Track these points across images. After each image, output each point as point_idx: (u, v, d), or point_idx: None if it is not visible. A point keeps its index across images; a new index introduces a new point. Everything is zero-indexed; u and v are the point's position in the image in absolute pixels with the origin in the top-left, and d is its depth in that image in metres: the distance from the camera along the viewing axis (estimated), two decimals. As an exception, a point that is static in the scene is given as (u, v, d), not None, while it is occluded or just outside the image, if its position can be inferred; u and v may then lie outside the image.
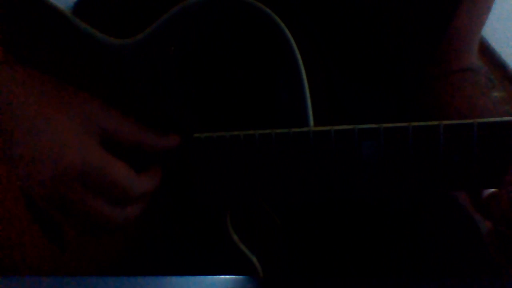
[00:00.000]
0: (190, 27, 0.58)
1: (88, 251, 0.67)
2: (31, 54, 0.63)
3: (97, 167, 0.55)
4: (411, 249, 0.67)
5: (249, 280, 0.57)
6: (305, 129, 0.54)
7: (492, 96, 0.68)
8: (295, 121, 0.56)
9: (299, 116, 0.56)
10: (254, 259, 0.62)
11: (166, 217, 0.64)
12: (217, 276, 0.56)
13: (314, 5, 0.63)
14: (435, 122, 0.51)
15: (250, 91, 0.58)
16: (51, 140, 0.56)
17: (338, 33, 0.64)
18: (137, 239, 0.66)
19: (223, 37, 0.57)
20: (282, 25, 0.55)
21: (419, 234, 0.69)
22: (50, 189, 0.56)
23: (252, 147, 0.56)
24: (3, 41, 0.63)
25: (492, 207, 0.51)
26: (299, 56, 0.55)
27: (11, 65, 0.58)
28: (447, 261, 0.66)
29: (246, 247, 0.62)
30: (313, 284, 0.57)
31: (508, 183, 0.48)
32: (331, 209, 0.68)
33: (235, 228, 0.62)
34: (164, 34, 0.59)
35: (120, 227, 0.59)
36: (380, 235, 0.68)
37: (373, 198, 0.65)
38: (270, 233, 0.66)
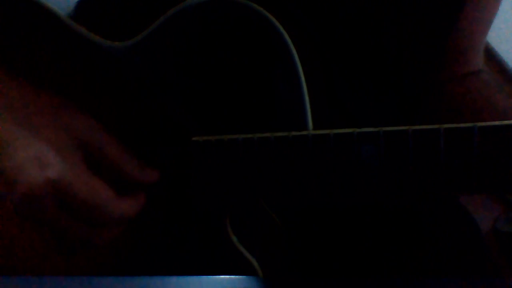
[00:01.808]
0: (187, 30, 0.58)
1: (88, 251, 0.67)
2: (25, 58, 0.62)
3: (76, 185, 0.53)
4: (411, 249, 0.67)
5: (249, 280, 0.58)
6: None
7: (508, 93, 0.68)
8: (294, 125, 0.56)
9: (298, 119, 0.56)
10: (254, 261, 0.62)
11: (165, 218, 0.64)
12: (217, 276, 0.56)
13: (314, 6, 0.62)
14: (435, 126, 0.50)
15: (248, 94, 0.58)
16: (30, 153, 0.53)
17: (338, 34, 0.64)
18: (137, 239, 0.66)
19: (220, 39, 0.57)
20: (280, 27, 0.54)
21: (419, 234, 0.69)
22: (23, 205, 0.53)
23: (251, 150, 0.56)
24: None
25: None
26: (297, 59, 0.55)
27: None
28: (447, 261, 0.66)
29: (246, 248, 0.62)
30: (313, 284, 0.57)
31: None
32: (331, 209, 0.68)
33: (234, 229, 0.62)
34: (161, 36, 0.59)
35: (96, 246, 0.57)
36: (380, 235, 0.68)
37: (373, 202, 0.65)
38: (270, 234, 0.66)
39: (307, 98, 0.55)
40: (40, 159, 0.53)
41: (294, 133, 0.54)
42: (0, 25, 0.64)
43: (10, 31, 0.64)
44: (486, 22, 0.68)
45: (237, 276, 0.57)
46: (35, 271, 0.68)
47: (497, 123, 0.49)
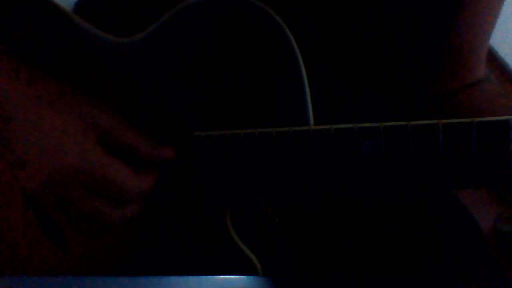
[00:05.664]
0: (191, 27, 0.59)
1: (88, 251, 0.67)
2: (31, 52, 0.63)
3: (97, 167, 0.55)
4: (412, 249, 0.67)
5: (249, 280, 0.57)
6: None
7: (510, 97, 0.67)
8: (295, 120, 0.56)
9: (299, 114, 0.56)
10: (254, 259, 0.62)
11: (166, 216, 0.65)
12: (217, 276, 0.56)
13: (315, 5, 0.63)
14: (434, 121, 0.51)
15: (250, 90, 0.58)
16: (50, 141, 0.56)
17: (338, 33, 0.64)
18: (137, 238, 0.66)
19: (224, 36, 0.58)
20: (283, 24, 0.55)
21: (419, 234, 0.69)
22: (50, 190, 0.56)
23: (253, 145, 0.56)
24: (4, 39, 0.63)
25: None
26: (299, 55, 0.55)
27: (11, 64, 0.58)
28: (448, 261, 0.66)
29: (246, 246, 0.62)
30: (313, 284, 0.57)
31: None
32: (330, 208, 0.68)
33: (235, 227, 0.62)
34: (165, 32, 0.60)
35: (117, 226, 0.59)
36: (380, 235, 0.68)
37: (373, 197, 0.65)
38: (270, 232, 0.66)
39: (308, 94, 0.56)
40: (59, 146, 0.55)
41: (295, 128, 0.55)
42: (9, 20, 0.65)
43: (17, 26, 0.65)
44: (486, 33, 0.68)
45: (237, 276, 0.57)
46: (35, 271, 0.68)
47: (494, 118, 0.50)
